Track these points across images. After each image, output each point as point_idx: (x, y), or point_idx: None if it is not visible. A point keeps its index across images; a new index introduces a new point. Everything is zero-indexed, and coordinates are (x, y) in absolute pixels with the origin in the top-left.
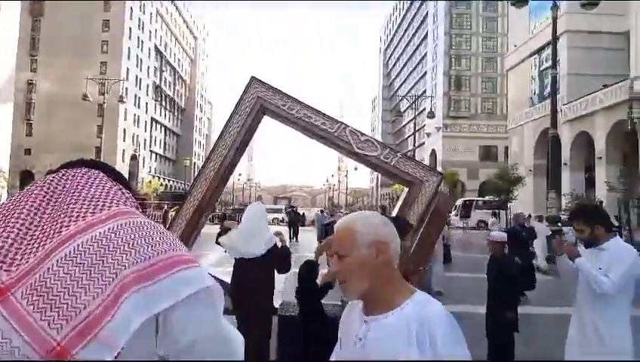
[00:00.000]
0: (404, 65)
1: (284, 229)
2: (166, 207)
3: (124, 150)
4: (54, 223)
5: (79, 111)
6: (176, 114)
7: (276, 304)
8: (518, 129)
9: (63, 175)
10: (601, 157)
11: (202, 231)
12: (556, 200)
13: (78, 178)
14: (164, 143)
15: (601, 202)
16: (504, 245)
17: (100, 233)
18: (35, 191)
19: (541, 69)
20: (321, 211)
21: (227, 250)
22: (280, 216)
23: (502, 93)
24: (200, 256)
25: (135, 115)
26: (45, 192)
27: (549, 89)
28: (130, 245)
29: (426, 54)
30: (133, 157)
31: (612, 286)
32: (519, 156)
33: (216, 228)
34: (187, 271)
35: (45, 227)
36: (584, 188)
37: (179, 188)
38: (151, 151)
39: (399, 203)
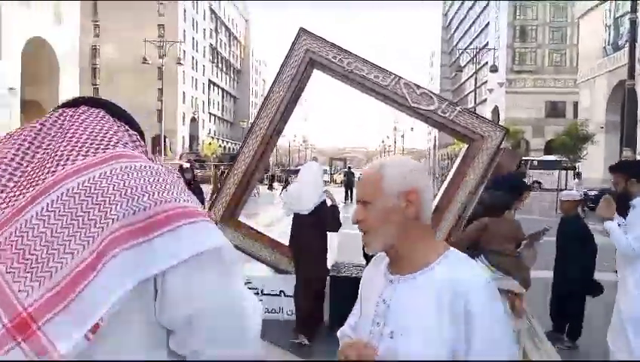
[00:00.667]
0: (465, 17)
1: (341, 190)
2: (222, 168)
3: (184, 113)
4: (42, 168)
5: (141, 75)
6: (232, 76)
7: (329, 264)
8: (590, 82)
9: (61, 115)
10: None
11: (256, 192)
12: (633, 158)
13: (76, 117)
14: (222, 105)
15: None
16: (577, 204)
17: (89, 179)
18: (24, 133)
19: (617, 15)
20: None
21: (283, 207)
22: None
23: (571, 44)
24: (254, 215)
25: (193, 77)
26: (36, 134)
27: (625, 37)
28: (124, 193)
29: (488, 4)
30: (193, 120)
31: (629, 247)
32: (590, 112)
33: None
34: (192, 227)
35: (32, 173)
36: None
37: (237, 150)
38: (210, 113)
39: (458, 160)
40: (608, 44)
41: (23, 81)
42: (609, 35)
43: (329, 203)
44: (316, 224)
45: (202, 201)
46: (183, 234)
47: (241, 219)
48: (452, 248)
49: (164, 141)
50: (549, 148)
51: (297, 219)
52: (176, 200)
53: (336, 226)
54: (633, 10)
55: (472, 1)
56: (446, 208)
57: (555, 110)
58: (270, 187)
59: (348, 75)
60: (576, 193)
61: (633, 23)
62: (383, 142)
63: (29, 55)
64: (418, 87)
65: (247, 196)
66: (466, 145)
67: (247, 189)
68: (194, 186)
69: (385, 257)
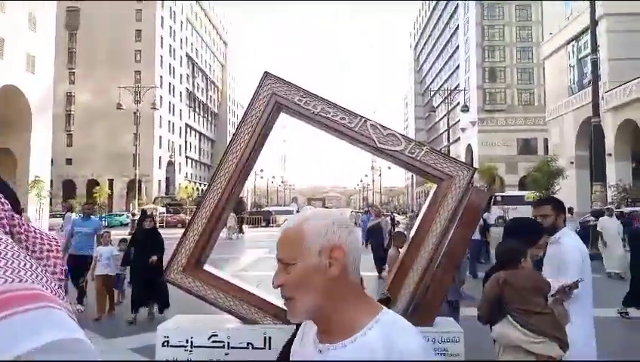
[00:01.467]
0: (436, 60)
1: None
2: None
3: (160, 157)
4: None
5: (116, 121)
6: (209, 119)
7: None
8: (558, 120)
9: None
10: None
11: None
12: (602, 193)
13: None
14: (199, 149)
15: None
16: None
17: None
18: None
19: (579, 56)
20: (366, 212)
21: None
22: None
23: (539, 84)
24: (227, 260)
25: (170, 121)
26: None
27: (588, 77)
28: None
29: (458, 47)
30: (170, 164)
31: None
32: (560, 148)
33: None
34: (25, 316)
35: None
36: (631, 178)
37: None
38: (186, 156)
39: (428, 200)
40: (573, 83)
41: None
42: (573, 74)
43: None
44: None
45: (161, 250)
46: (13, 324)
47: (212, 265)
48: (385, 309)
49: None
50: (522, 184)
51: None
52: (14, 280)
53: None
54: (594, 50)
55: (443, 45)
56: (419, 247)
57: (526, 147)
58: (240, 230)
59: (314, 118)
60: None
61: (594, 63)
62: (361, 181)
63: (1, 103)
64: (385, 128)
65: (213, 243)
66: (435, 185)
67: (211, 236)
68: (153, 236)
69: (313, 324)
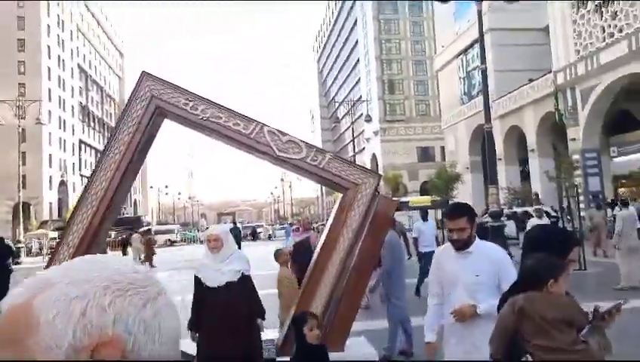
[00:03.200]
0: (339, 72)
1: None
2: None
3: (51, 176)
4: None
5: (1, 138)
6: (106, 134)
7: None
8: (452, 128)
9: None
10: (533, 150)
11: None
12: (496, 195)
13: None
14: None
15: (537, 194)
16: None
17: None
18: None
19: (468, 69)
20: (291, 224)
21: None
22: (173, 236)
23: (433, 95)
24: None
25: (61, 138)
26: None
27: (477, 88)
28: None
29: (358, 60)
30: (62, 184)
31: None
32: (455, 155)
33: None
34: None
35: None
36: (519, 181)
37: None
38: (81, 175)
39: (334, 210)
40: (464, 94)
41: None
42: (463, 85)
43: None
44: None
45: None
46: None
47: None
48: None
49: (28, 209)
50: (424, 190)
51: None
52: None
53: None
54: (483, 60)
55: (345, 58)
56: (325, 263)
57: (425, 155)
58: (124, 252)
59: (203, 124)
60: None
61: (484, 73)
62: (272, 193)
63: None
64: (283, 134)
65: None
66: (341, 195)
67: None
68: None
69: None
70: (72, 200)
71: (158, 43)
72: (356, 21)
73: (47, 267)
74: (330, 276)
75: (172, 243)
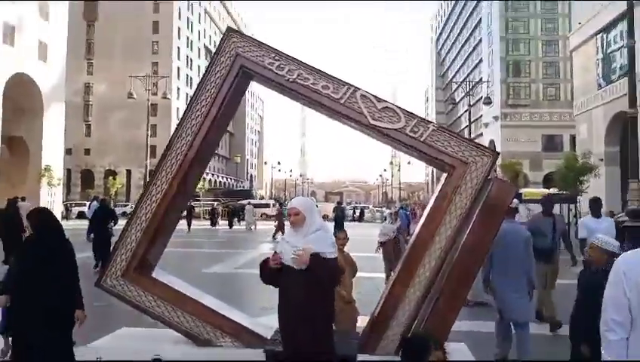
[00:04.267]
0: (459, 53)
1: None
2: (215, 204)
3: None
4: None
5: (133, 112)
6: None
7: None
8: (586, 115)
9: None
10: None
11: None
12: (638, 191)
13: None
14: None
15: None
16: (613, 256)
17: None
18: None
19: (609, 50)
20: (402, 208)
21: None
22: (269, 211)
23: (565, 79)
24: (226, 255)
25: None
26: None
27: (618, 71)
28: None
29: (481, 40)
30: None
31: None
32: (587, 144)
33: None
34: None
35: None
36: None
37: (231, 184)
38: None
39: (434, 195)
40: (602, 76)
41: (6, 116)
42: (602, 67)
43: None
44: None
45: None
46: None
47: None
48: None
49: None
50: (548, 181)
51: None
52: None
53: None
54: (631, 35)
55: (465, 38)
56: (421, 255)
57: (552, 143)
58: (213, 223)
59: (289, 86)
60: (617, 243)
61: (631, 50)
62: (380, 175)
63: (13, 91)
64: (379, 99)
65: (164, 240)
66: (444, 175)
67: (159, 233)
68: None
69: None
70: None
71: (277, 22)
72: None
73: (122, 233)
74: (427, 270)
75: (268, 217)
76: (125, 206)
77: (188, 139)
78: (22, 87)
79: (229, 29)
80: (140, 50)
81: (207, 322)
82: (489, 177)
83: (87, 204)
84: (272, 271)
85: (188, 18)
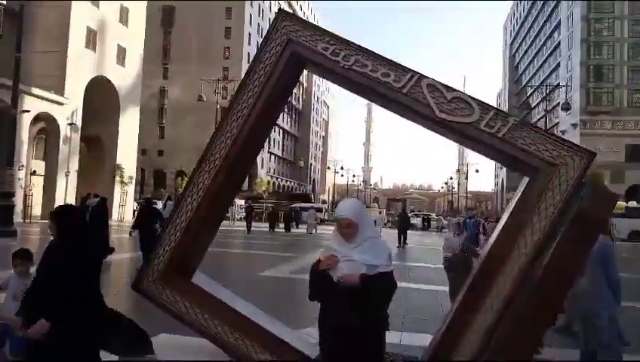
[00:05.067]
0: (535, 56)
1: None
2: (250, 202)
3: None
4: None
5: (204, 115)
6: (293, 116)
7: None
8: None
9: None
10: None
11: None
12: None
13: None
14: (282, 145)
15: None
16: None
17: None
18: None
19: None
20: (470, 217)
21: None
22: (320, 215)
23: None
24: (284, 259)
25: None
26: None
27: None
28: None
29: (559, 43)
30: None
31: None
32: None
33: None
34: None
35: None
36: None
37: (294, 188)
38: (269, 152)
39: (512, 202)
40: None
41: (86, 116)
42: None
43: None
44: None
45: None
46: None
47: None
48: None
49: None
50: (631, 194)
51: None
52: None
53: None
54: None
55: (542, 41)
56: (497, 272)
57: (636, 153)
58: (272, 226)
59: (345, 74)
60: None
61: None
62: (446, 183)
63: (93, 93)
64: (449, 89)
65: (204, 245)
66: (526, 179)
67: (201, 233)
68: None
69: None
70: (260, 174)
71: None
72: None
73: (162, 232)
74: (501, 290)
75: (321, 221)
76: None
77: (233, 132)
78: (101, 90)
79: (280, 11)
80: (212, 55)
81: (247, 336)
82: (582, 180)
83: (162, 202)
84: (322, 278)
85: (259, 24)
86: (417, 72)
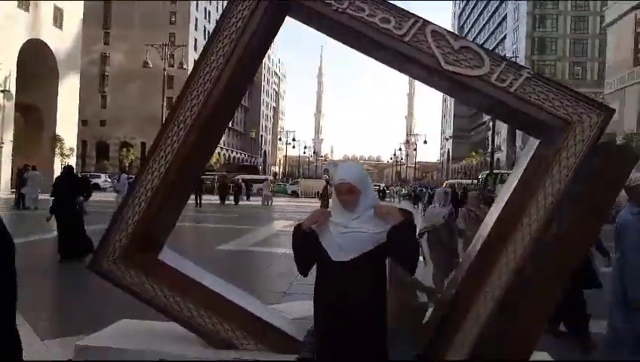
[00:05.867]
0: (482, 29)
1: None
2: (223, 178)
3: None
4: None
5: (149, 83)
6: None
7: None
8: (618, 93)
9: None
10: None
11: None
12: None
13: None
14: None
15: None
16: None
17: None
18: None
19: None
20: (425, 187)
21: None
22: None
23: (592, 57)
24: (240, 231)
25: None
26: None
27: None
28: None
29: (506, 16)
30: None
31: None
32: (619, 125)
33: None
34: None
35: None
36: None
37: (245, 160)
38: None
39: (521, 163)
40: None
41: (21, 83)
42: None
43: None
44: None
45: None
46: None
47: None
48: None
49: None
50: None
51: None
52: None
53: None
54: None
55: (489, 14)
56: (504, 241)
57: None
58: (222, 198)
59: (337, 19)
60: None
61: None
62: (395, 154)
63: (28, 57)
64: (456, 37)
65: (173, 217)
66: (536, 142)
67: (166, 205)
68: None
69: None
70: None
71: None
72: None
73: (121, 206)
74: (511, 261)
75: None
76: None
77: (207, 86)
78: (36, 54)
79: None
80: (157, 20)
81: (223, 318)
82: (599, 139)
83: (117, 176)
84: (306, 240)
85: None
86: (421, 18)
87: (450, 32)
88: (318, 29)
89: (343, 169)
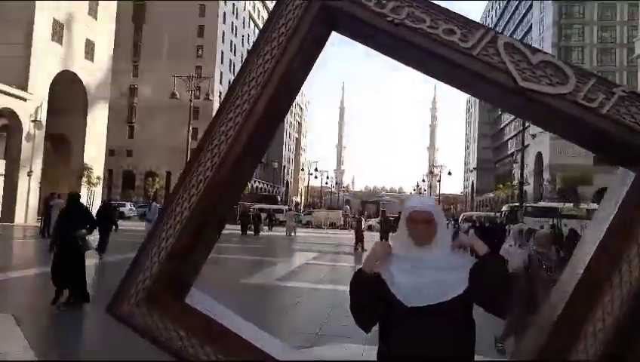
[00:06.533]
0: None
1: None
2: (244, 209)
3: None
4: None
5: (176, 115)
6: None
7: None
8: None
9: None
10: None
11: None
12: None
13: None
14: None
15: None
16: None
17: None
18: None
19: None
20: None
21: None
22: (281, 216)
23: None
24: (261, 264)
25: None
26: None
27: None
28: None
29: (531, 26)
30: None
31: None
32: None
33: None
34: None
35: None
36: None
37: (267, 190)
38: None
39: (609, 199)
40: None
41: (52, 113)
42: None
43: None
44: None
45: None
46: None
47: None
48: None
49: None
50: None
51: None
52: None
53: None
54: None
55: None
56: (596, 298)
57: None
58: (244, 229)
59: (394, 33)
60: None
61: None
62: (418, 185)
63: (59, 88)
64: (534, 50)
65: (204, 252)
66: (629, 173)
67: (200, 239)
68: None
69: None
70: None
71: None
72: (531, 5)
73: (146, 241)
74: (608, 317)
75: (280, 222)
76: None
77: (244, 107)
78: (68, 85)
79: None
80: (184, 53)
81: None
82: None
83: (148, 205)
84: (372, 287)
85: (232, 22)
86: (491, 29)
87: (526, 44)
88: (367, 44)
89: (417, 199)
